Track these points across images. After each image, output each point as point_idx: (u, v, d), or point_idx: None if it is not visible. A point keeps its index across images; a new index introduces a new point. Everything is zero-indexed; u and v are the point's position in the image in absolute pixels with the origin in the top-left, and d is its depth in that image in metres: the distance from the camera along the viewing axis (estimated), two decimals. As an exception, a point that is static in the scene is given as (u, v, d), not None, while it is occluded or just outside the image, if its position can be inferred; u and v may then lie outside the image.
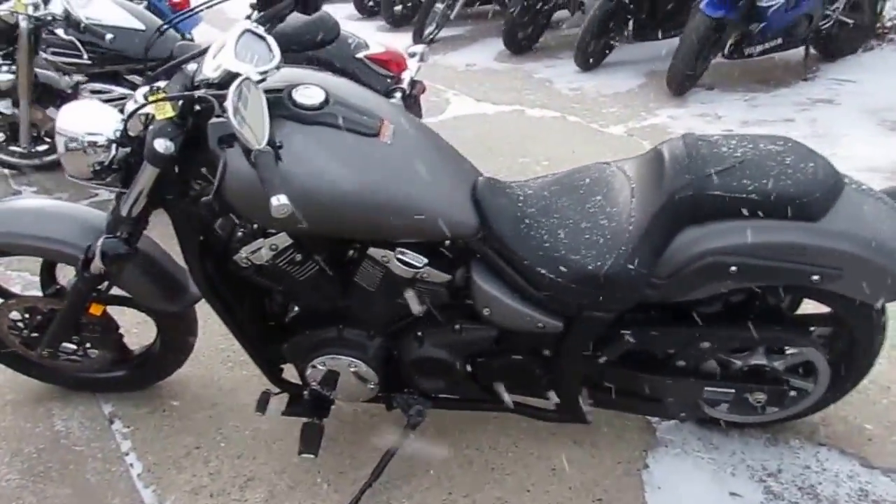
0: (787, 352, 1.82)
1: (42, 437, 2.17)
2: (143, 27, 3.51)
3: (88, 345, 2.12)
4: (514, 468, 2.00)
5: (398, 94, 3.24)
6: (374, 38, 3.68)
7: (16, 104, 3.54)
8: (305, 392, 1.92)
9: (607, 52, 5.69)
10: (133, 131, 1.54)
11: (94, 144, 1.57)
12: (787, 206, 1.51)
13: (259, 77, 1.49)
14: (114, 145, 1.59)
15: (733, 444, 2.05)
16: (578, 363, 1.79)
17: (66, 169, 1.64)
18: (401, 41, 5.66)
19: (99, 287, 1.91)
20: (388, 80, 3.41)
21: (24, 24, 3.26)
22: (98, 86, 3.56)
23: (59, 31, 3.34)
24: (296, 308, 1.91)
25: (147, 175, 1.56)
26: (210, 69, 1.50)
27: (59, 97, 3.53)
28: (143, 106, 1.53)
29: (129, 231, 1.69)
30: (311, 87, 1.60)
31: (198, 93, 1.45)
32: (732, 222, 1.54)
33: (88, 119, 1.60)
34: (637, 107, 4.89)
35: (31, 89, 3.42)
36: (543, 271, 1.63)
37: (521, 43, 6.30)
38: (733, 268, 1.55)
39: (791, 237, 1.53)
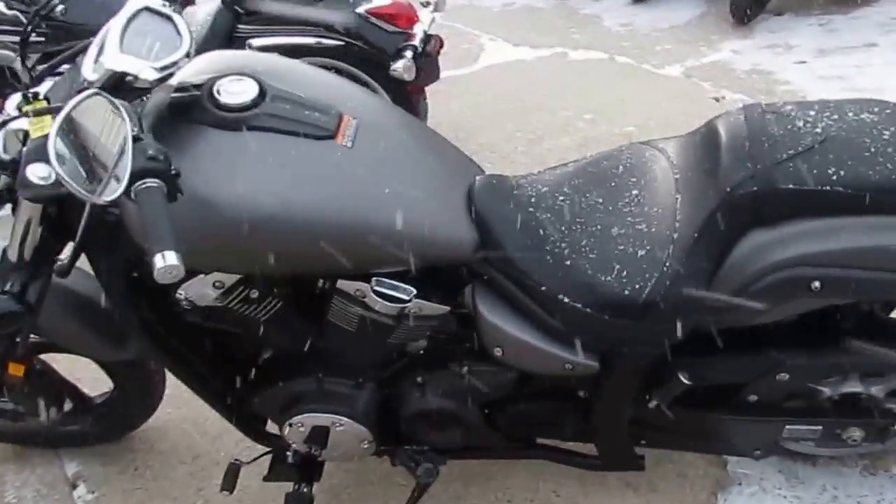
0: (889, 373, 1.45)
1: (-7, 512, 1.83)
2: None
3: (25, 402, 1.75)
4: None
5: (409, 54, 2.71)
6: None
7: None
8: (289, 453, 1.55)
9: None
10: (9, 152, 1.13)
11: None
12: (889, 198, 1.13)
13: (157, 75, 1.13)
14: None
15: (823, 476, 1.68)
16: (623, 410, 1.42)
17: None
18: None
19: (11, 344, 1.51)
20: (398, 37, 2.85)
21: None
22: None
23: (1, 5, 2.90)
24: (267, 351, 1.53)
25: (26, 211, 1.17)
26: (89, 69, 1.12)
27: (13, 86, 3.10)
28: (12, 119, 1.12)
29: (23, 281, 1.25)
30: (241, 80, 1.21)
31: (70, 104, 1.00)
32: (813, 222, 1.17)
33: None
34: (696, 41, 4.35)
35: None
36: (565, 299, 1.26)
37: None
38: (816, 283, 1.18)
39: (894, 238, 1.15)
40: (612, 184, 1.36)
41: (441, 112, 3.30)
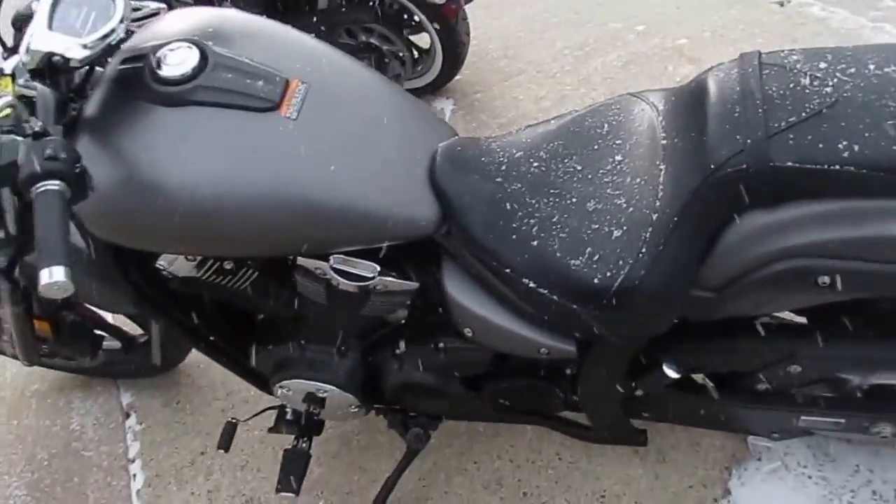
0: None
1: (57, 438, 2.02)
2: None
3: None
4: (552, 492, 1.59)
5: None
6: None
7: None
8: (288, 410, 1.58)
9: None
10: None
11: None
12: None
13: (85, 53, 1.06)
14: None
15: (857, 454, 1.51)
16: (611, 392, 1.30)
17: None
18: None
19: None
20: None
21: None
22: None
23: None
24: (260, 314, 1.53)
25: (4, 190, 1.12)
26: (23, 49, 1.07)
27: None
28: None
29: (10, 256, 1.22)
30: (182, 49, 1.13)
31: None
32: (820, 205, 0.94)
33: None
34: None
35: None
36: (531, 283, 1.11)
37: None
38: (824, 278, 0.98)
39: None
40: (595, 146, 1.16)
41: (492, 27, 3.11)
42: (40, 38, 1.05)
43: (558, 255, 1.10)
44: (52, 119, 0.98)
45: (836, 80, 0.95)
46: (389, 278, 1.22)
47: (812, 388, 1.28)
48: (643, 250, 1.03)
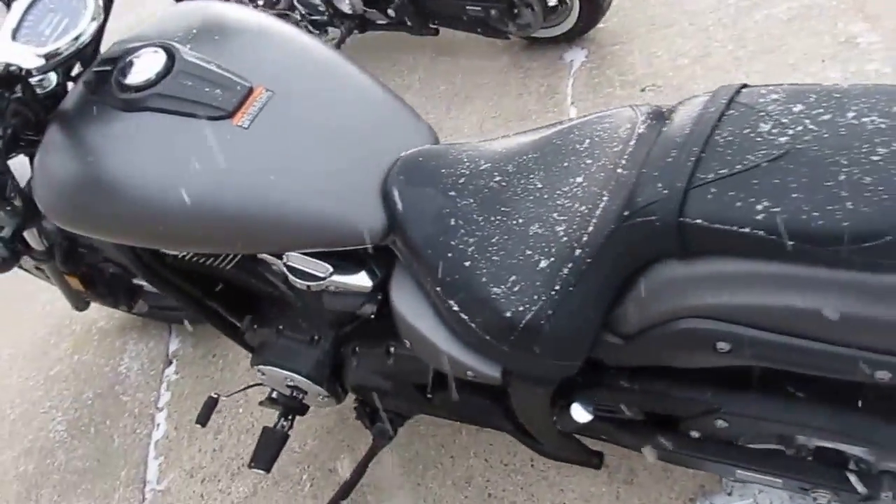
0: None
1: (105, 379, 2.24)
2: None
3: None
4: (515, 497, 1.60)
5: None
6: None
7: None
8: (273, 391, 1.66)
9: None
10: None
11: None
12: (850, 245, 0.79)
13: (39, 62, 1.15)
14: None
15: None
16: (544, 419, 1.27)
17: None
18: None
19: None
20: None
21: None
22: None
23: None
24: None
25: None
26: None
27: None
28: None
29: (15, 227, 1.28)
30: (150, 54, 1.20)
31: None
32: (727, 265, 0.88)
33: None
34: None
35: None
36: (455, 307, 1.08)
37: None
38: (723, 344, 0.92)
39: (834, 301, 0.82)
40: (565, 164, 1.08)
41: None
42: (2, 49, 1.14)
43: (484, 280, 1.05)
44: None
45: (800, 127, 0.86)
46: (343, 279, 1.23)
47: (760, 441, 1.21)
48: (556, 287, 0.99)
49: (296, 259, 1.23)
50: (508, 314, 1.01)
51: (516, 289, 1.02)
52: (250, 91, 1.17)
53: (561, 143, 1.11)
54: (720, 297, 0.89)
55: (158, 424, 2.05)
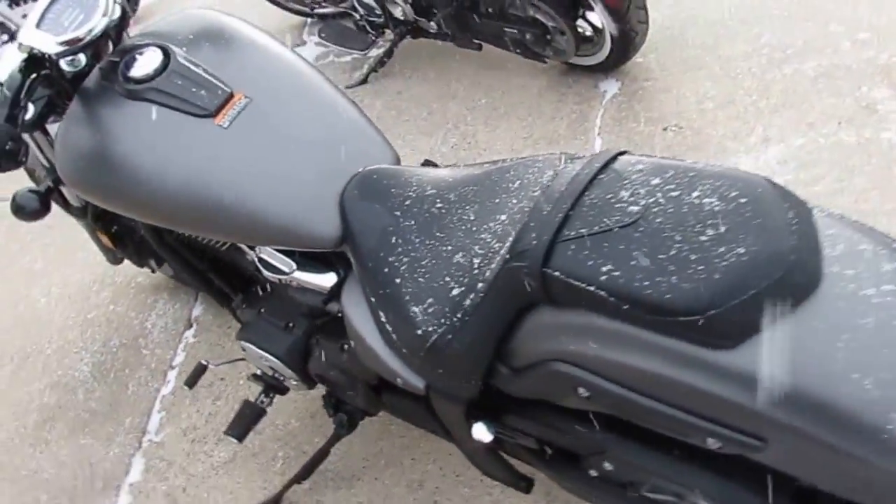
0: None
1: (132, 330, 2.45)
2: None
3: None
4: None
5: None
6: None
7: None
8: (258, 369, 1.80)
9: None
10: None
11: None
12: (668, 316, 0.87)
13: (58, 48, 1.35)
14: None
15: None
16: (464, 434, 1.36)
17: None
18: None
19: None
20: None
21: None
22: None
23: None
24: None
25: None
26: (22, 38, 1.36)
27: None
28: None
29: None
30: (151, 52, 1.39)
31: None
32: (585, 317, 0.97)
33: None
34: None
35: None
36: (382, 318, 1.22)
37: None
38: (582, 390, 1.02)
39: (667, 367, 0.90)
40: (497, 200, 1.18)
41: (705, 10, 2.85)
42: (25, 35, 1.34)
43: (407, 298, 1.17)
44: (6, 105, 1.29)
45: (651, 199, 0.95)
46: (305, 276, 1.38)
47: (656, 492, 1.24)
48: (458, 315, 1.10)
49: (266, 252, 1.40)
50: (420, 332, 1.14)
51: (430, 310, 1.14)
52: (231, 96, 1.34)
53: (497, 180, 1.21)
54: (581, 345, 0.99)
55: (169, 381, 2.24)
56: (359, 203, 1.28)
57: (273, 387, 1.75)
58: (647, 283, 0.88)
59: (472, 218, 1.18)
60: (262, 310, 1.63)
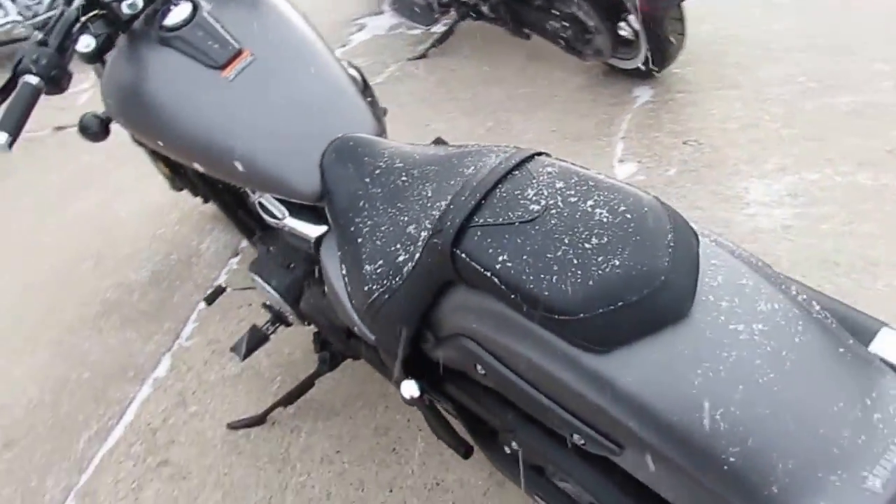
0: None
1: (189, 249, 2.84)
2: None
3: None
4: (410, 459, 1.93)
5: None
6: None
7: None
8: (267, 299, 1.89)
9: None
10: None
11: None
12: (546, 312, 0.94)
13: None
14: None
15: None
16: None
17: None
18: None
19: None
20: None
21: None
22: None
23: None
24: None
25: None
26: None
27: None
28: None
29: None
30: (183, 5, 1.57)
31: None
32: (490, 300, 1.03)
33: None
34: None
35: None
36: (343, 271, 1.33)
37: None
38: (479, 367, 1.10)
39: (544, 359, 0.97)
40: (451, 182, 1.20)
41: (752, 31, 2.88)
42: None
43: (364, 256, 1.26)
44: (59, 36, 1.44)
45: (552, 201, 1.01)
46: (294, 224, 1.53)
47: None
48: (397, 279, 1.18)
49: (265, 197, 1.57)
50: (366, 289, 1.24)
51: (378, 271, 1.22)
52: (239, 52, 1.50)
53: (457, 164, 1.25)
54: (482, 325, 1.06)
55: (195, 325, 2.55)
56: (335, 165, 1.40)
57: (277, 318, 1.97)
58: (532, 278, 0.94)
59: (428, 195, 1.23)
60: (271, 248, 1.79)
